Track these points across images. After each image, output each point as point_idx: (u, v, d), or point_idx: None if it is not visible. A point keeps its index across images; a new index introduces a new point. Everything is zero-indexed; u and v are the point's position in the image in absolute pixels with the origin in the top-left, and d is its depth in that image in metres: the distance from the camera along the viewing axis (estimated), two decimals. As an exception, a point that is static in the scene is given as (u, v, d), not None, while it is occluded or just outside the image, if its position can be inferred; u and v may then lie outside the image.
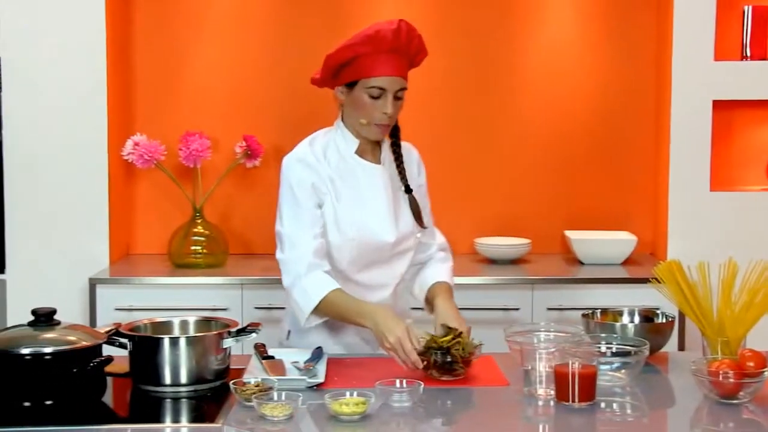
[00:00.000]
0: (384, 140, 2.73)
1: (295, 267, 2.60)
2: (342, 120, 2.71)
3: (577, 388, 2.19)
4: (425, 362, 2.43)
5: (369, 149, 2.71)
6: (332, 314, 2.60)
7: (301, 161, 2.65)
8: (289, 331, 2.79)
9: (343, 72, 2.63)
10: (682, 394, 2.41)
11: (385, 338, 2.43)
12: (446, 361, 2.40)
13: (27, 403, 2.16)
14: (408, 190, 2.72)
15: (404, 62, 2.62)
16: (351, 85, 2.62)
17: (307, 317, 2.60)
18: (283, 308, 3.71)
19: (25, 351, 2.17)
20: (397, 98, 2.61)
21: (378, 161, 2.71)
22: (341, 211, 2.64)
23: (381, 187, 2.68)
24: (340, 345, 2.73)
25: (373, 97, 2.59)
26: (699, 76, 3.97)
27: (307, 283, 2.58)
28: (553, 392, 2.24)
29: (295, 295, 2.60)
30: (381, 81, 2.57)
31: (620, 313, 2.77)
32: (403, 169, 2.72)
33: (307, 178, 2.63)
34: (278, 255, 2.65)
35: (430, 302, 2.75)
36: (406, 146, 2.79)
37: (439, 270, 2.80)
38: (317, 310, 2.58)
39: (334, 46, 2.64)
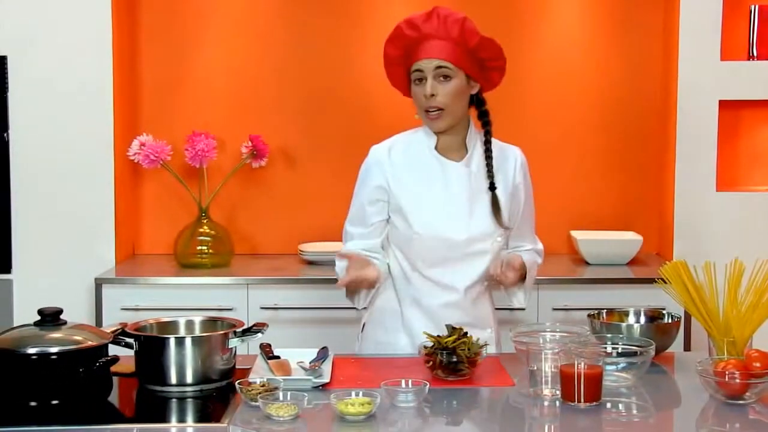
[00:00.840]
0: (477, 138, 2.73)
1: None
2: None
3: (582, 389, 2.19)
4: (431, 362, 2.43)
5: (454, 147, 2.72)
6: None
7: (374, 159, 2.73)
8: (364, 324, 2.83)
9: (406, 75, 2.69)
10: (688, 395, 2.40)
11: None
12: (452, 361, 2.40)
13: (33, 403, 2.16)
14: (492, 187, 2.69)
15: (446, 46, 2.60)
16: (409, 81, 2.69)
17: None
18: (286, 308, 3.75)
19: (31, 351, 2.18)
20: (441, 80, 2.61)
21: (461, 159, 2.71)
22: (410, 205, 2.67)
23: (458, 184, 2.69)
24: (412, 344, 2.70)
25: (416, 84, 2.63)
26: (705, 75, 3.96)
27: (337, 268, 2.72)
28: (558, 392, 2.24)
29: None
30: (417, 65, 2.61)
31: (626, 314, 2.76)
32: (491, 165, 2.70)
33: (374, 177, 2.70)
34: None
35: None
36: (507, 148, 2.79)
37: (521, 254, 2.79)
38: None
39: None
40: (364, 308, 2.81)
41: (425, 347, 2.46)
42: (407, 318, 2.72)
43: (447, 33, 2.61)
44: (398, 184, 2.68)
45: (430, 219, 2.66)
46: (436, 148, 2.71)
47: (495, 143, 2.75)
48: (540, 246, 2.89)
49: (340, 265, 2.71)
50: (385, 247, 2.75)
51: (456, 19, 2.62)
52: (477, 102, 2.74)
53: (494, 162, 2.71)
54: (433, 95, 2.61)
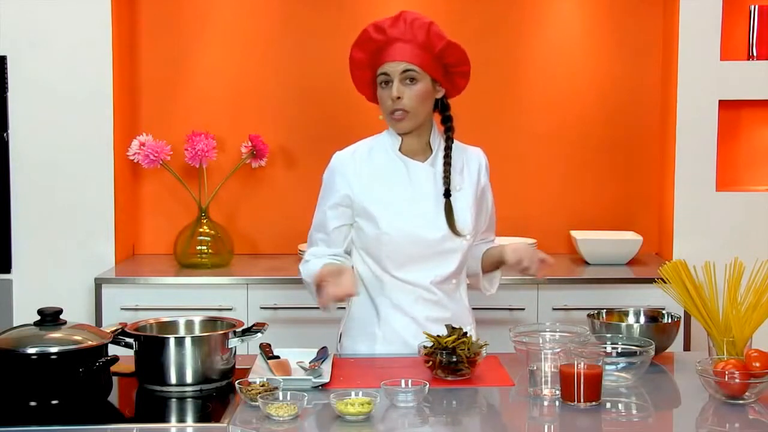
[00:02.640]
0: (441, 138, 2.73)
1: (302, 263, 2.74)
2: None
3: (582, 389, 2.19)
4: (430, 362, 2.43)
5: (418, 149, 2.72)
6: None
7: (336, 165, 2.71)
8: (341, 334, 2.81)
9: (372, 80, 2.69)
10: (687, 395, 2.40)
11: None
12: (451, 361, 2.40)
13: (33, 403, 2.16)
14: (447, 194, 2.69)
15: (412, 50, 2.60)
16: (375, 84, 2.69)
17: (319, 303, 2.65)
18: (286, 308, 3.75)
19: (31, 351, 2.18)
20: (407, 83, 2.61)
21: (425, 159, 2.71)
22: (377, 207, 2.66)
23: (424, 184, 2.69)
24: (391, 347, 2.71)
25: (383, 87, 2.64)
26: (705, 75, 3.96)
27: (303, 272, 2.71)
28: (558, 392, 2.24)
29: (306, 288, 2.72)
30: (382, 68, 2.62)
31: (626, 313, 2.76)
32: (449, 171, 2.70)
33: (336, 183, 2.69)
34: None
35: (485, 261, 2.80)
36: (470, 150, 2.80)
37: (490, 244, 2.84)
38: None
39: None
40: (342, 308, 2.78)
41: (425, 347, 2.46)
42: (385, 319, 2.70)
43: (413, 36, 2.61)
44: (363, 187, 2.67)
45: (399, 218, 2.65)
46: (399, 149, 2.71)
47: (456, 145, 2.75)
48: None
49: (308, 270, 2.68)
50: (351, 252, 2.75)
51: (422, 24, 2.62)
52: (441, 107, 2.74)
53: (459, 164, 2.74)
54: (399, 98, 2.61)
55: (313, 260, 2.70)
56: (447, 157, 2.71)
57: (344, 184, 2.69)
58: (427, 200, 2.68)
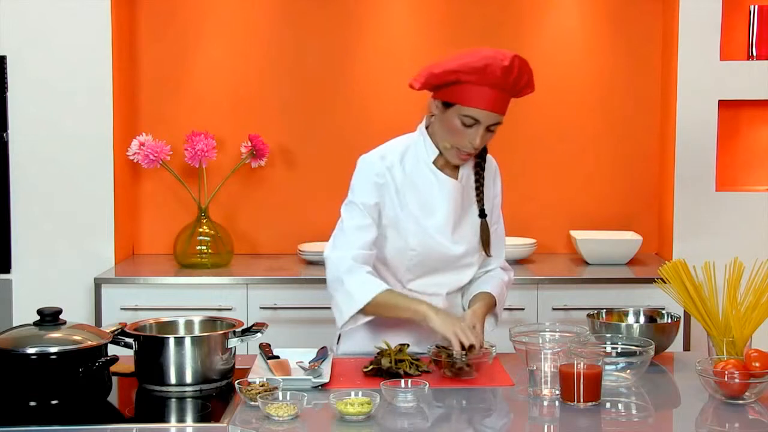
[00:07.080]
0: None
1: (336, 267, 2.59)
2: (427, 128, 2.65)
3: (582, 388, 2.19)
4: (439, 361, 2.44)
5: (449, 162, 2.65)
6: (379, 313, 2.57)
7: (370, 173, 2.61)
8: (339, 335, 2.77)
9: (443, 89, 2.55)
10: (687, 395, 2.40)
11: (446, 328, 2.43)
12: (458, 366, 2.42)
13: (33, 403, 2.16)
14: (483, 215, 2.66)
15: (506, 99, 2.54)
16: (447, 105, 2.55)
17: (346, 321, 2.58)
18: (285, 308, 3.75)
19: (30, 351, 2.18)
20: (489, 131, 2.55)
21: (455, 174, 2.65)
22: (406, 219, 2.61)
23: (453, 199, 2.63)
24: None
25: (464, 125, 2.53)
26: (705, 75, 3.96)
27: (350, 285, 2.56)
28: (558, 392, 2.24)
29: (337, 297, 2.59)
30: (477, 113, 2.50)
31: (625, 313, 2.77)
32: (482, 192, 2.67)
33: (371, 195, 2.60)
34: (324, 252, 2.66)
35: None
36: (486, 159, 2.72)
37: (487, 282, 2.74)
38: (363, 311, 2.56)
39: (440, 63, 2.53)
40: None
41: (436, 347, 2.48)
42: (393, 326, 2.67)
43: (513, 87, 2.53)
44: (393, 198, 2.61)
45: (427, 235, 2.62)
46: (434, 162, 2.64)
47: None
48: (503, 256, 2.82)
49: (353, 289, 2.55)
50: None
51: (527, 72, 2.55)
52: None
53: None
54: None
55: (355, 281, 2.56)
56: (479, 175, 2.66)
57: (382, 200, 2.61)
58: (453, 217, 2.64)
